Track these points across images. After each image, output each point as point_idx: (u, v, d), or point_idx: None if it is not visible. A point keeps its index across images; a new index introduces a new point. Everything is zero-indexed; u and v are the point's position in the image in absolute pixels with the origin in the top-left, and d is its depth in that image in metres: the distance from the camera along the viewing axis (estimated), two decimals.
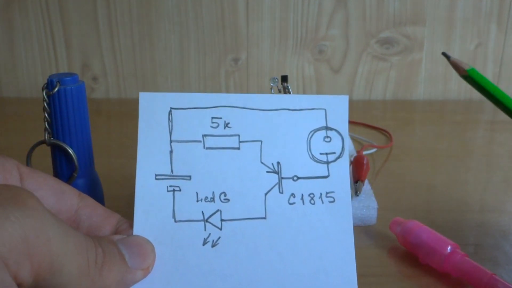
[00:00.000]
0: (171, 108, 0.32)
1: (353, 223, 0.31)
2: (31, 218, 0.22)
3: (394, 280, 0.35)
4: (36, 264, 0.22)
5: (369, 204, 0.42)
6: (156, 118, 0.32)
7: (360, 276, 0.30)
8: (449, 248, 0.34)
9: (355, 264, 0.30)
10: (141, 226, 0.30)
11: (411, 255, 0.37)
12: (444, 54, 0.37)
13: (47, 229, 0.23)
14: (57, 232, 0.23)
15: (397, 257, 0.38)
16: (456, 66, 0.36)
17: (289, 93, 0.41)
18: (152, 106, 0.32)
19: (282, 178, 0.32)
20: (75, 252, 0.24)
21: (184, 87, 0.79)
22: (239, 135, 0.32)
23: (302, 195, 0.32)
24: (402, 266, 0.37)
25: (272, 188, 0.32)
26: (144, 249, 0.29)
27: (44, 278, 0.23)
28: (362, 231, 0.41)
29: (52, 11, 0.76)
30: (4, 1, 0.75)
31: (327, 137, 0.33)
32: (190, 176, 0.32)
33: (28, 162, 0.37)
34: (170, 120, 0.32)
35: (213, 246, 0.31)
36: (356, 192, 0.43)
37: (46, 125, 0.36)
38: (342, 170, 0.32)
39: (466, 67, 0.35)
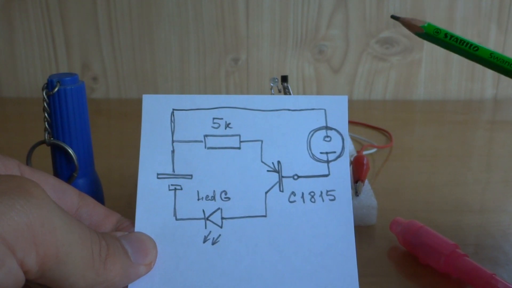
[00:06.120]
0: (173, 109, 0.33)
1: (353, 223, 0.32)
2: (36, 207, 0.23)
3: (394, 280, 0.35)
4: (41, 252, 0.22)
5: (369, 204, 0.42)
6: (159, 119, 0.33)
7: (360, 276, 0.30)
8: (449, 248, 0.34)
9: (356, 262, 0.30)
10: (142, 224, 0.31)
11: (411, 255, 0.37)
12: (393, 16, 0.33)
13: (52, 218, 0.23)
14: (62, 222, 0.24)
15: (397, 257, 0.38)
16: (409, 26, 0.33)
17: (289, 93, 0.42)
18: (155, 108, 0.33)
19: (283, 177, 0.32)
20: (80, 243, 0.24)
21: (184, 87, 0.79)
22: (239, 135, 0.33)
23: (303, 193, 0.32)
24: (402, 266, 0.37)
25: (272, 187, 0.32)
26: (146, 245, 0.29)
27: (49, 268, 0.23)
28: (362, 231, 0.41)
29: (52, 11, 0.76)
30: (4, 1, 0.75)
31: (327, 136, 0.33)
32: (191, 175, 0.32)
33: (28, 162, 0.38)
34: (172, 121, 0.33)
35: (213, 243, 0.31)
36: (356, 192, 0.43)
37: (46, 125, 0.36)
38: (343, 169, 0.33)
39: (420, 23, 0.32)
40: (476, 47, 0.32)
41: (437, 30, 0.32)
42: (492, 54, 0.32)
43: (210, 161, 0.32)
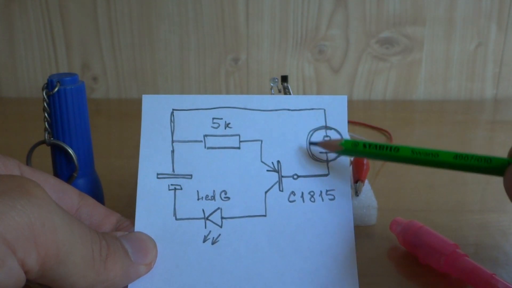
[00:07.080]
0: (173, 109, 0.33)
1: (353, 223, 0.32)
2: (37, 206, 0.23)
3: (394, 280, 0.35)
4: (42, 252, 0.22)
5: (369, 204, 0.42)
6: (159, 119, 0.33)
7: (360, 276, 0.30)
8: (449, 248, 0.34)
9: (355, 261, 0.30)
10: (142, 224, 0.31)
11: (411, 255, 0.37)
12: (311, 143, 0.33)
13: (53, 218, 0.23)
14: (62, 222, 0.24)
15: (397, 257, 0.38)
16: (328, 147, 0.33)
17: (289, 93, 0.42)
18: (155, 108, 0.33)
19: (282, 176, 0.32)
20: (80, 243, 0.24)
21: (184, 87, 0.79)
22: (239, 135, 0.33)
23: (302, 193, 0.32)
24: (402, 266, 0.37)
25: (272, 187, 0.32)
26: (147, 244, 0.29)
27: (50, 267, 0.23)
28: (362, 231, 0.41)
29: (52, 11, 0.76)
30: (4, 0, 0.75)
31: (327, 136, 0.33)
32: (191, 175, 0.32)
33: (28, 162, 0.38)
34: (172, 121, 0.33)
35: (213, 243, 0.31)
36: (356, 192, 0.43)
37: (46, 125, 0.36)
38: (342, 168, 0.33)
39: (338, 142, 0.32)
40: (397, 148, 0.31)
41: (355, 143, 0.32)
42: (413, 150, 0.31)
43: (209, 161, 0.32)
